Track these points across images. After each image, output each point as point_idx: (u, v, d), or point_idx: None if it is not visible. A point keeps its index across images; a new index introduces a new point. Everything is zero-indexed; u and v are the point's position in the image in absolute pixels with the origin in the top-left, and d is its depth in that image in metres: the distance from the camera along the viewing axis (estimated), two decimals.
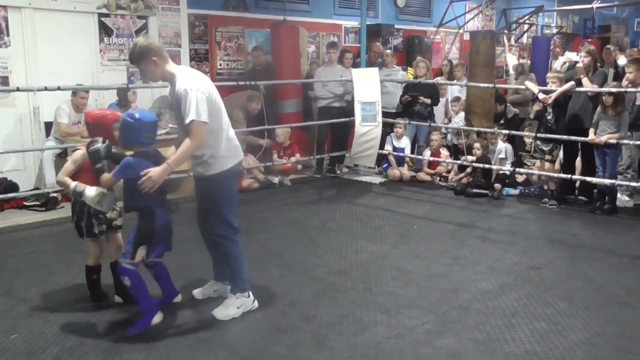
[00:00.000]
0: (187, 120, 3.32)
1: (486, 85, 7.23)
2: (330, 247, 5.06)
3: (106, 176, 3.43)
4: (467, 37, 11.45)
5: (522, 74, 9.32)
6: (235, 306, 3.66)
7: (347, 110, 7.96)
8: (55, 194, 6.20)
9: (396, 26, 10.50)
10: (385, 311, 3.75)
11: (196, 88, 3.34)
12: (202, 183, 3.68)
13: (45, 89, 5.65)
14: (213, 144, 3.50)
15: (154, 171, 3.29)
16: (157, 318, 3.47)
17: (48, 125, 6.58)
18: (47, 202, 6.18)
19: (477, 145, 7.03)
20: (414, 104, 7.89)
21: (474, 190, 6.89)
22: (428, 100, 7.88)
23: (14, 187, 6.15)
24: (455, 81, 8.63)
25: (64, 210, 6.16)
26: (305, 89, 8.34)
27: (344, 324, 3.57)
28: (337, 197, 7.01)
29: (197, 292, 3.98)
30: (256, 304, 3.76)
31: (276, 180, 7.54)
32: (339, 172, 8.28)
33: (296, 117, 8.17)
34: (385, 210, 6.32)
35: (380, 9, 10.39)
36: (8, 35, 6.32)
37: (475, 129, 7.32)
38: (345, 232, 5.52)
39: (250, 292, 3.74)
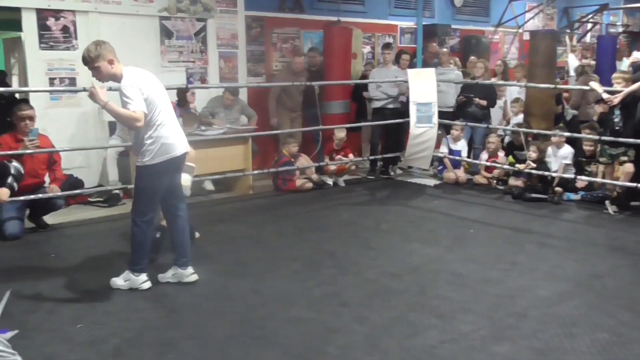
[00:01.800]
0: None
1: (546, 86, 7.03)
2: (383, 249, 5.04)
3: None
4: (526, 36, 11.23)
5: (582, 74, 9.03)
6: (123, 279, 4.10)
7: (402, 111, 7.89)
8: (117, 191, 6.42)
9: (453, 26, 10.36)
10: (439, 315, 3.71)
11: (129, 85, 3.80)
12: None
13: (110, 89, 5.83)
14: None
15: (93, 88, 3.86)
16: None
17: (111, 125, 6.81)
18: (110, 199, 6.41)
19: (532, 148, 6.84)
20: (469, 105, 7.76)
21: (532, 195, 6.71)
22: (484, 102, 7.74)
23: (79, 183, 6.38)
24: (514, 82, 8.44)
25: (125, 207, 6.37)
26: (359, 90, 8.33)
27: (397, 326, 3.55)
28: (390, 199, 6.98)
29: (160, 276, 4.26)
30: (146, 284, 4.08)
31: (330, 180, 7.57)
32: (392, 173, 8.23)
33: (342, 119, 8.16)
34: (440, 213, 6.25)
35: (437, 9, 10.27)
36: (76, 38, 6.59)
37: (534, 130, 7.12)
38: (399, 234, 5.48)
39: (144, 275, 4.09)
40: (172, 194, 4.15)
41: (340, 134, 7.62)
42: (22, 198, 5.24)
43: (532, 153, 6.79)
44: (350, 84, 8.17)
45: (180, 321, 3.61)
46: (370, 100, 8.23)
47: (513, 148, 7.38)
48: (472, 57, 8.62)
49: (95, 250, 4.97)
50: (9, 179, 3.72)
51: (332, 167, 7.59)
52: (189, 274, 4.24)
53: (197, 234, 5.15)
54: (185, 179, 4.36)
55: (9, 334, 2.86)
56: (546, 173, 6.69)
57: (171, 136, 3.99)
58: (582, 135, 6.75)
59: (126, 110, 3.76)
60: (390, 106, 7.98)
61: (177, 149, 4.04)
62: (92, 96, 3.84)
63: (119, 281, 4.10)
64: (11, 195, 5.20)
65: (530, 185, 6.85)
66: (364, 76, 8.54)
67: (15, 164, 3.71)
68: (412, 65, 8.33)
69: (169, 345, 3.30)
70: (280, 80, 7.81)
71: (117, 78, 3.90)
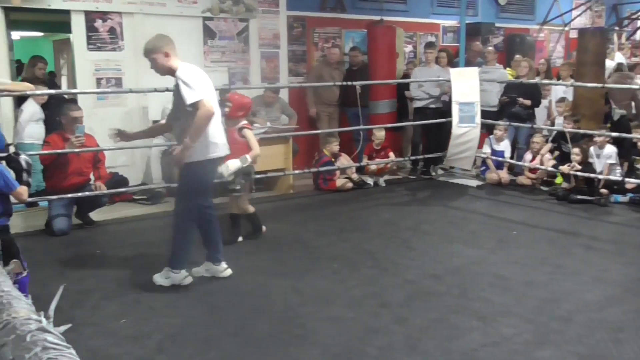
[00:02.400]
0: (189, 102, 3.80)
1: (594, 85, 6.84)
2: (424, 250, 4.99)
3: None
4: (573, 34, 10.95)
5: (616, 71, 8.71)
6: (164, 276, 4.13)
7: (443, 111, 7.81)
8: (160, 189, 6.54)
9: (497, 24, 10.18)
10: (480, 318, 3.65)
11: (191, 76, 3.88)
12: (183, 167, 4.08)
13: (155, 90, 5.96)
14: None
15: (177, 149, 3.89)
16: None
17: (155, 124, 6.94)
18: (153, 197, 6.54)
19: (575, 150, 6.65)
20: (512, 105, 7.62)
21: (578, 197, 6.54)
22: (527, 102, 7.59)
23: (124, 181, 6.53)
24: (559, 81, 8.24)
25: (169, 205, 6.48)
26: (400, 89, 8.28)
27: (437, 328, 3.52)
28: (431, 199, 6.91)
29: (194, 270, 4.29)
30: (187, 280, 4.14)
31: (370, 180, 7.54)
32: (433, 173, 8.15)
33: (389, 118, 8.12)
34: (482, 214, 6.15)
35: (481, 7, 10.11)
36: (122, 39, 6.74)
37: (581, 131, 6.94)
38: (440, 235, 5.43)
39: (184, 270, 4.13)
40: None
41: (379, 133, 7.59)
42: (69, 196, 5.40)
43: (575, 156, 6.60)
44: (391, 83, 8.11)
45: (221, 318, 3.66)
46: (411, 99, 8.17)
47: (561, 138, 7.17)
48: (517, 56, 8.45)
49: (138, 246, 5.07)
50: (24, 175, 3.77)
51: (373, 167, 7.56)
52: (223, 269, 4.30)
53: (264, 228, 5.34)
54: (233, 162, 4.57)
55: (62, 328, 2.95)
56: (592, 175, 6.51)
57: (217, 136, 4.04)
58: (631, 135, 6.54)
59: (198, 121, 3.78)
60: (432, 106, 7.91)
61: (221, 150, 4.10)
62: (180, 158, 3.90)
63: (160, 278, 4.15)
64: (54, 193, 5.37)
65: (575, 187, 6.68)
66: (406, 75, 8.48)
67: (24, 156, 3.75)
68: (454, 64, 8.23)
69: (211, 342, 3.34)
70: (317, 72, 7.90)
71: (172, 71, 3.94)
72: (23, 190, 3.71)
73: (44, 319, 0.86)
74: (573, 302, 3.89)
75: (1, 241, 3.58)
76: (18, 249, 3.63)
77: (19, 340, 0.80)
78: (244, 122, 4.94)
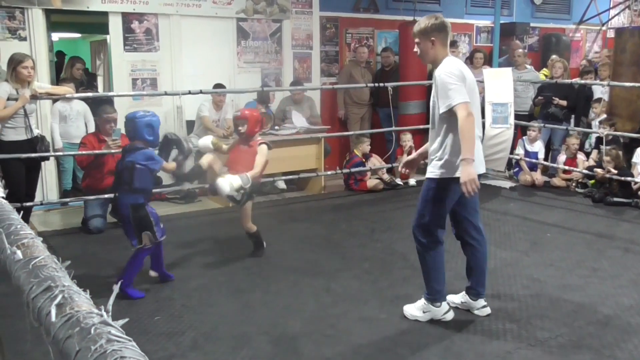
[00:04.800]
0: (444, 109, 3.29)
1: (632, 84, 6.69)
2: (456, 251, 4.91)
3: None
4: (610, 34, 10.73)
5: None
6: (422, 310, 3.60)
7: None
8: (193, 189, 6.62)
9: (532, 24, 10.04)
10: (514, 320, 3.61)
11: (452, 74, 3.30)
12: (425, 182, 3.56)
13: (189, 92, 6.05)
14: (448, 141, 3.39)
15: (465, 172, 3.19)
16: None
17: (189, 124, 7.04)
18: (186, 196, 6.62)
19: (607, 159, 6.49)
20: (548, 106, 7.50)
21: (614, 199, 6.41)
22: (563, 102, 7.47)
23: (157, 180, 6.63)
24: (597, 81, 8.08)
25: (201, 204, 6.58)
26: (428, 89, 8.23)
27: (470, 330, 3.49)
28: None
29: (448, 297, 3.72)
30: (449, 315, 3.60)
31: (401, 181, 7.51)
32: None
33: (419, 119, 8.06)
34: (516, 216, 6.07)
35: (515, 7, 9.98)
36: (158, 40, 6.86)
37: (618, 133, 6.79)
38: None
39: (444, 303, 3.59)
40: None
41: (404, 136, 7.55)
42: (105, 196, 5.50)
43: (607, 164, 6.45)
44: (422, 84, 8.05)
45: (253, 317, 3.69)
46: None
47: (600, 143, 7.02)
48: (554, 56, 8.32)
49: (172, 245, 5.11)
50: (177, 155, 4.28)
51: (404, 170, 7.51)
52: (480, 306, 3.70)
53: (264, 244, 4.91)
54: (235, 180, 4.30)
55: (121, 321, 3.04)
56: (629, 179, 6.36)
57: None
58: None
59: (464, 125, 3.21)
60: None
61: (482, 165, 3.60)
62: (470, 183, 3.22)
63: (416, 312, 3.62)
64: (91, 192, 5.48)
65: (611, 190, 6.54)
66: (431, 75, 8.42)
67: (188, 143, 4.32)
68: (488, 65, 8.16)
69: (243, 340, 3.37)
70: (347, 72, 7.90)
71: (436, 62, 3.52)
72: (171, 165, 4.14)
73: (104, 313, 0.89)
74: (610, 306, 3.82)
75: (133, 218, 3.92)
76: (150, 222, 3.95)
77: (84, 332, 0.83)
78: (259, 137, 4.78)
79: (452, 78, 3.28)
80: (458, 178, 3.27)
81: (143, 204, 3.98)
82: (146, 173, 4.02)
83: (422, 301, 3.62)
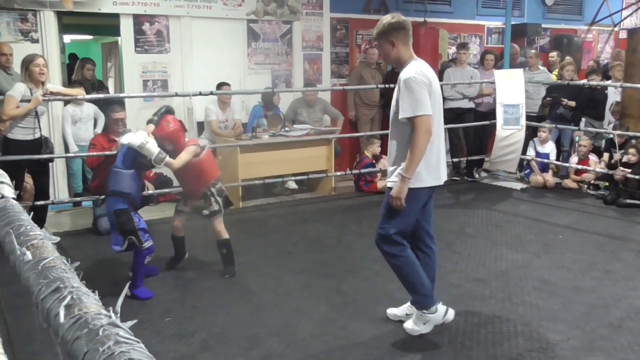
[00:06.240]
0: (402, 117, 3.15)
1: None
2: (468, 253, 4.93)
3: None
4: (622, 35, 10.64)
5: None
6: (421, 322, 3.42)
7: (485, 113, 7.73)
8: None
9: (543, 25, 9.98)
10: (526, 323, 3.58)
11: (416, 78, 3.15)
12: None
13: (200, 93, 6.07)
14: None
15: (397, 188, 3.16)
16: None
17: (199, 125, 7.06)
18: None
19: (632, 151, 6.46)
20: (557, 107, 7.46)
21: (627, 201, 6.35)
22: (572, 103, 7.42)
23: (168, 182, 6.64)
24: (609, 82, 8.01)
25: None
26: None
27: (482, 333, 3.47)
28: (475, 202, 6.82)
29: (390, 312, 3.67)
30: (450, 315, 3.44)
31: None
32: (477, 176, 8.04)
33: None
34: (527, 218, 6.03)
35: (527, 8, 9.93)
36: (168, 42, 6.88)
37: (630, 133, 6.73)
38: (484, 239, 5.34)
39: (437, 306, 3.40)
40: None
41: None
42: None
43: (631, 157, 6.40)
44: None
45: (264, 318, 3.69)
46: (444, 100, 8.08)
47: (612, 146, 6.97)
48: (568, 58, 8.26)
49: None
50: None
51: None
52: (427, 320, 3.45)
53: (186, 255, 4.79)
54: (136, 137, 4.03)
55: (129, 323, 3.05)
56: None
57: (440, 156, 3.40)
58: None
59: (417, 140, 3.11)
60: (466, 106, 7.82)
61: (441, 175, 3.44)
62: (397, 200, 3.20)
63: (416, 326, 3.43)
64: (101, 193, 5.47)
65: (625, 190, 6.49)
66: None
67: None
68: (499, 67, 8.12)
69: (254, 341, 3.37)
70: (357, 73, 7.89)
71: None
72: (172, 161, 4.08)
73: (113, 314, 0.89)
74: (623, 308, 3.78)
75: (117, 223, 3.96)
76: (134, 226, 3.96)
77: (92, 334, 0.83)
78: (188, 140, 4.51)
79: (417, 85, 3.13)
80: (423, 188, 3.23)
81: (126, 209, 3.97)
82: (125, 176, 4.02)
83: (415, 312, 3.44)
